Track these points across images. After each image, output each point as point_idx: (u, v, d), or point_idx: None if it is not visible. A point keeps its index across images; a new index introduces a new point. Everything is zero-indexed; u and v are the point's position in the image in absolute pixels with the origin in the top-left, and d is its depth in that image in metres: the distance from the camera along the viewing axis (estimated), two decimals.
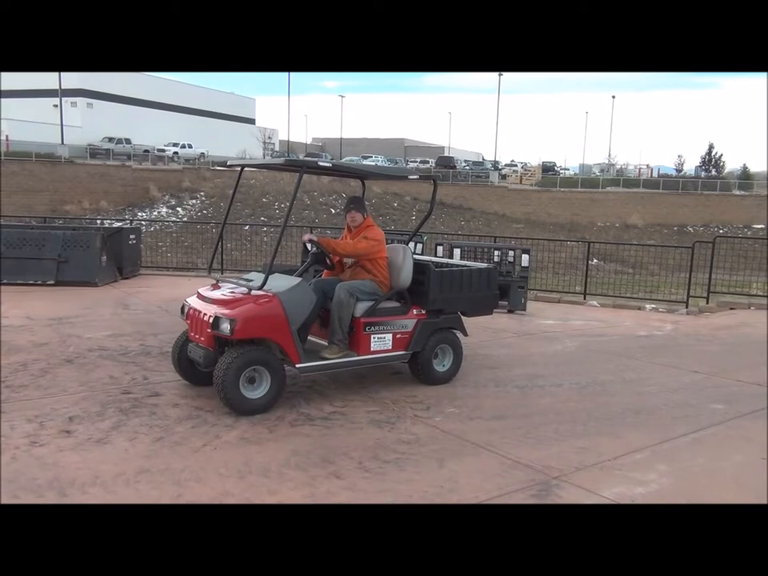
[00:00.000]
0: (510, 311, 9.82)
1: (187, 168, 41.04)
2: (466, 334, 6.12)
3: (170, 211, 30.04)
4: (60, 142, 45.01)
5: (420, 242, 11.20)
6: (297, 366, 5.03)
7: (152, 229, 18.61)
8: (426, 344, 5.70)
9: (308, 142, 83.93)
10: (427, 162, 58.06)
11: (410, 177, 6.76)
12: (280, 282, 5.15)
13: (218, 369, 4.74)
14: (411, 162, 61.08)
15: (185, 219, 27.53)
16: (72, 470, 3.85)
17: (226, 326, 4.73)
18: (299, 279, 5.24)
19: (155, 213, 28.79)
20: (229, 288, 5.22)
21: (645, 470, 4.14)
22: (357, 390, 5.59)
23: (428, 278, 5.71)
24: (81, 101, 52.89)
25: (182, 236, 17.91)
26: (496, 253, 10.34)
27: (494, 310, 9.60)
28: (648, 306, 10.76)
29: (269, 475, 3.89)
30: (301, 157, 56.23)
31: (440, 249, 11.06)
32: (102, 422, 4.64)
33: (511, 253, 10.29)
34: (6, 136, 45.52)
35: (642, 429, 4.95)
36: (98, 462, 3.97)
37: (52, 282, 10.36)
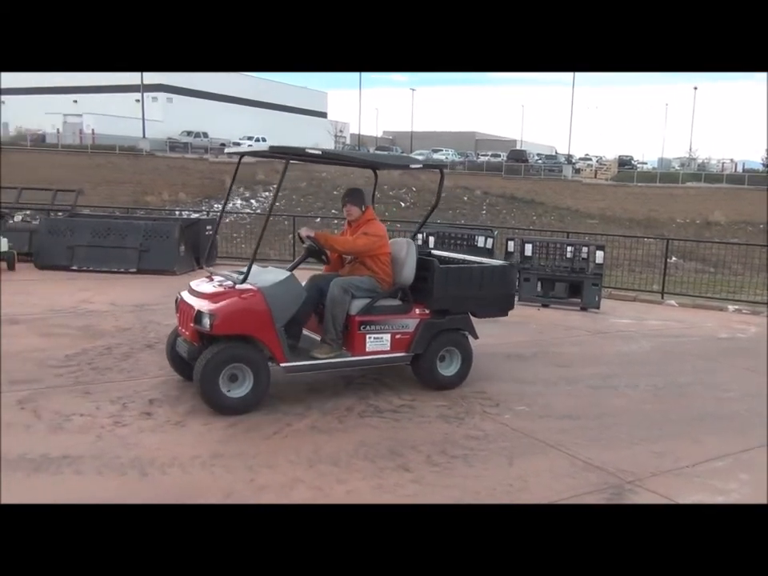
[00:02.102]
0: (583, 309, 9.59)
1: (261, 161, 41.91)
2: (475, 337, 5.66)
3: (244, 203, 30.78)
4: (142, 135, 46.89)
5: (491, 237, 11.08)
6: (282, 365, 4.79)
7: (227, 220, 19.09)
8: (429, 346, 5.31)
9: (379, 136, 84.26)
10: (498, 156, 57.25)
11: (413, 166, 6.13)
12: (268, 276, 4.96)
13: (198, 365, 4.58)
14: (482, 155, 60.41)
15: (258, 211, 28.16)
16: (152, 450, 4.02)
17: (206, 321, 4.54)
18: (288, 274, 5.00)
19: (230, 204, 29.57)
20: (218, 281, 4.99)
21: (725, 479, 3.98)
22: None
23: (432, 274, 5.32)
24: (161, 96, 54.94)
25: (255, 227, 18.33)
26: (569, 249, 10.11)
27: (565, 307, 9.52)
28: (730, 307, 10.28)
29: (338, 464, 3.95)
30: (371, 150, 56.58)
31: (511, 244, 10.90)
32: (180, 405, 4.82)
33: (585, 249, 10.04)
34: (93, 129, 47.74)
35: (722, 435, 4.75)
36: (175, 444, 4.13)
37: (134, 270, 10.81)
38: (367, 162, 6.19)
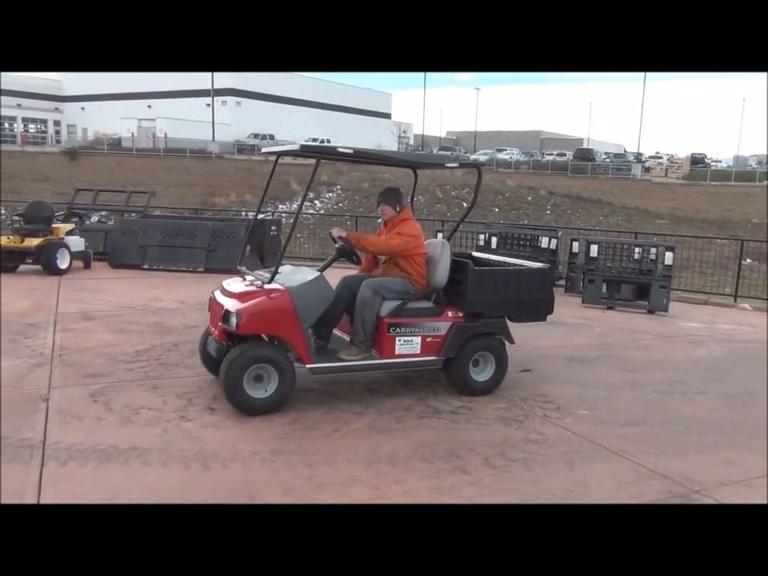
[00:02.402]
0: (650, 312, 9.29)
1: (325, 162, 42.45)
2: (511, 342, 5.47)
3: (308, 204, 31.20)
4: (211, 138, 48.24)
5: (555, 237, 10.89)
6: (308, 366, 4.73)
7: (291, 221, 19.43)
8: (462, 350, 5.16)
9: (442, 136, 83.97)
10: (564, 155, 56.12)
11: (448, 165, 5.92)
12: (297, 277, 4.93)
13: (223, 364, 4.60)
14: (547, 154, 59.35)
15: (322, 212, 28.52)
16: (215, 444, 4.13)
17: (233, 321, 4.54)
18: (317, 274, 4.93)
19: (294, 205, 30.06)
20: (250, 281, 4.98)
21: None
22: None
23: (466, 277, 5.16)
24: (230, 99, 56.43)
25: (319, 228, 18.58)
26: (636, 250, 9.84)
27: (631, 310, 9.24)
28: None
29: (396, 464, 3.96)
30: (435, 151, 56.44)
31: (576, 245, 10.69)
32: None
33: (653, 250, 9.74)
34: (165, 133, 49.46)
35: None
36: (237, 440, 4.24)
37: (201, 269, 11.14)
38: (401, 161, 6.05)
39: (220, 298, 4.95)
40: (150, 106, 57.28)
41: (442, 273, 5.26)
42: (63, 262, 10.45)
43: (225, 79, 52.22)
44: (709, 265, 12.90)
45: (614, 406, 5.21)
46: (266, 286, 4.72)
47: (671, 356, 6.90)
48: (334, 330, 5.29)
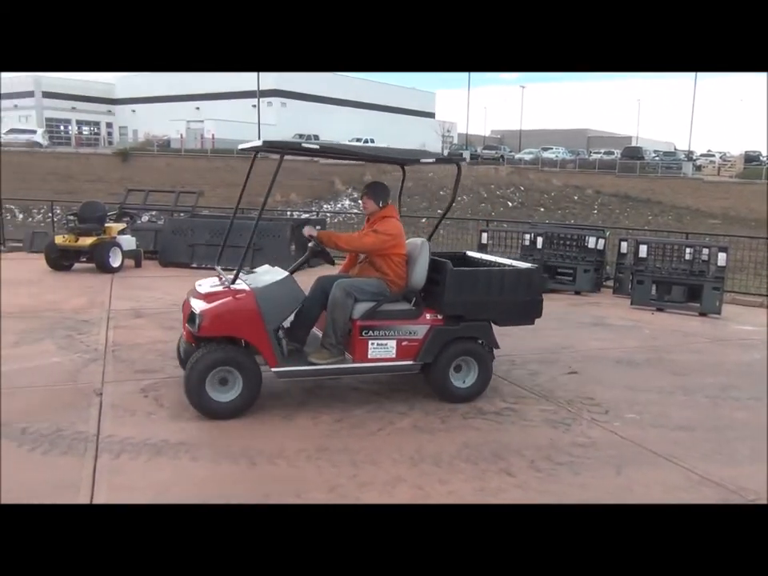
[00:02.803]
0: (702, 314, 9.04)
1: (369, 163, 42.63)
2: (495, 346, 5.19)
3: (352, 203, 31.32)
4: (257, 139, 48.88)
5: (602, 237, 10.70)
6: (273, 369, 4.57)
7: (336, 220, 19.54)
8: (440, 355, 4.92)
9: (486, 135, 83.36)
10: (612, 153, 55.02)
11: (424, 160, 5.37)
12: (265, 277, 4.82)
13: (186, 367, 4.53)
14: (594, 153, 58.30)
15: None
16: (261, 441, 4.19)
17: (196, 322, 4.44)
18: (285, 275, 4.81)
19: (338, 205, 30.26)
20: (221, 281, 4.87)
21: None
22: (530, 388, 5.49)
23: (444, 277, 4.91)
24: (276, 101, 57.17)
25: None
26: (688, 250, 9.59)
27: (682, 312, 9.01)
28: None
29: (440, 465, 3.96)
30: (479, 150, 56.08)
31: (624, 245, 10.48)
32: (289, 399, 4.99)
33: (705, 251, 9.48)
34: (212, 134, 50.36)
35: None
36: (283, 437, 4.29)
37: (248, 267, 11.28)
38: (372, 157, 5.85)
39: (191, 298, 4.84)
40: (198, 108, 58.44)
41: (419, 273, 5.03)
42: (115, 261, 10.74)
43: (270, 81, 52.98)
44: (764, 266, 12.48)
45: (664, 410, 5.09)
46: (233, 287, 4.62)
47: (723, 360, 6.71)
48: (316, 332, 5.12)
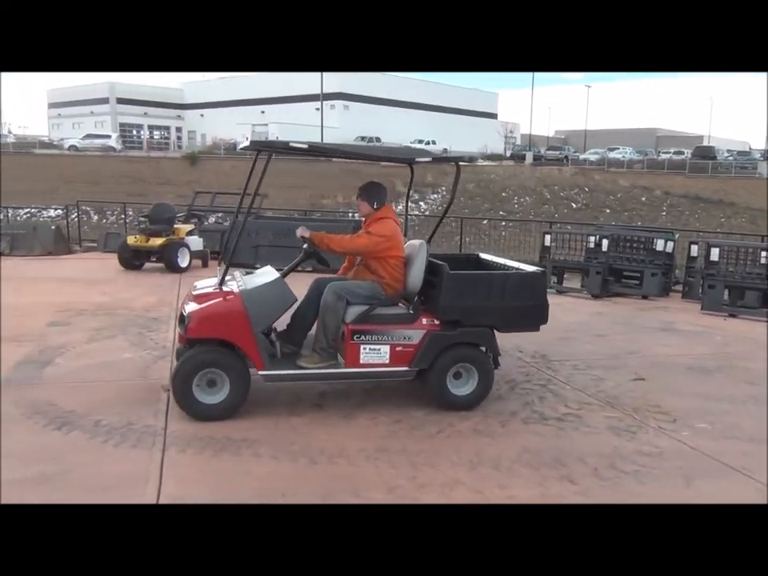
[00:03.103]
0: None
1: (431, 164, 42.55)
2: (497, 354, 4.95)
3: (413, 205, 31.40)
4: (320, 141, 49.53)
5: (671, 240, 10.36)
6: (260, 372, 4.51)
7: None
8: (436, 361, 4.75)
9: (550, 135, 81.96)
10: (682, 153, 53.18)
11: (419, 159, 5.14)
12: (256, 279, 4.78)
13: (174, 368, 4.51)
14: (663, 152, 56.50)
15: (426, 213, 28.60)
16: (321, 440, 4.24)
17: (185, 324, 4.44)
18: (275, 277, 4.75)
19: (399, 207, 30.38)
20: (211, 283, 4.84)
21: None
22: (594, 394, 5.36)
23: (441, 281, 4.74)
24: (338, 103, 57.82)
25: (423, 229, 18.67)
26: (763, 254, 9.16)
27: (757, 319, 8.60)
28: None
29: (499, 469, 3.91)
30: (542, 151, 55.20)
31: (694, 248, 10.12)
32: (348, 399, 5.04)
33: None
34: (277, 137, 51.29)
35: None
36: (343, 436, 4.33)
37: (310, 269, 11.43)
38: (364, 156, 5.66)
39: (186, 299, 4.85)
40: (263, 112, 59.67)
41: (415, 276, 4.89)
42: (184, 261, 11.09)
43: (334, 84, 53.62)
44: None
45: (737, 420, 4.88)
46: (224, 289, 4.60)
47: None
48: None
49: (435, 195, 33.89)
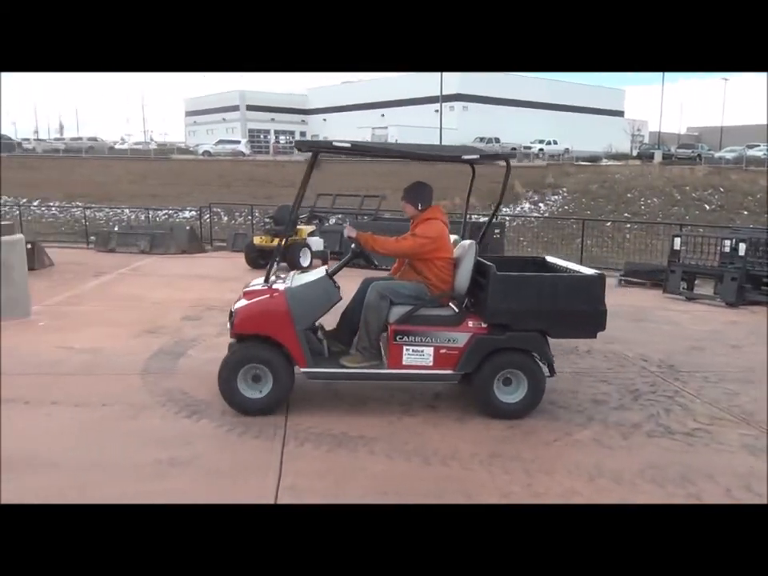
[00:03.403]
0: None
1: (551, 164, 41.47)
2: (550, 360, 4.71)
3: (532, 207, 30.63)
4: (438, 143, 49.64)
5: None
6: (302, 369, 4.57)
7: (515, 224, 19.31)
8: (482, 365, 4.59)
9: (681, 132, 77.35)
10: None
11: (466, 157, 4.91)
12: (303, 278, 4.86)
13: (222, 361, 4.62)
14: None
15: (546, 215, 27.89)
16: (435, 441, 4.25)
17: (232, 320, 4.58)
18: (321, 275, 4.79)
19: (518, 209, 29.74)
20: (268, 282, 4.86)
21: None
22: (727, 409, 5.00)
23: (488, 282, 4.55)
24: (457, 105, 57.66)
25: (542, 231, 18.21)
26: None
27: None
28: None
29: (620, 482, 3.75)
30: (673, 149, 52.27)
31: None
32: (461, 401, 5.00)
33: None
34: (396, 139, 51.99)
35: None
36: (456, 439, 4.32)
37: (373, 265, 11.52)
38: (407, 154, 5.55)
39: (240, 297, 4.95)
40: (383, 115, 60.64)
41: (462, 277, 4.79)
42: (305, 261, 11.50)
43: (453, 85, 53.50)
44: None
45: None
46: (273, 287, 4.69)
47: None
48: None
49: (556, 197, 32.96)
